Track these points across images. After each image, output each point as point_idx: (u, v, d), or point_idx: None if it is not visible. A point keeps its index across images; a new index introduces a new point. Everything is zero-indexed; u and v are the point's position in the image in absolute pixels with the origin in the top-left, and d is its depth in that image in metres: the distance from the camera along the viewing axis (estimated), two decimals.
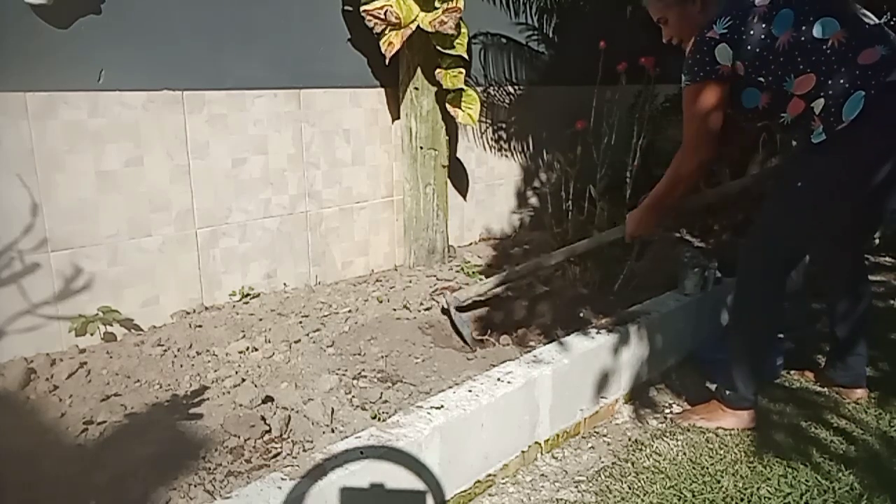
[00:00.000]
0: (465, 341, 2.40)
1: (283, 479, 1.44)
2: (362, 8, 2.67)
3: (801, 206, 1.94)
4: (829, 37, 1.81)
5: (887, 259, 3.98)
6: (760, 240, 2.06)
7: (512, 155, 3.89)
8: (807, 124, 1.89)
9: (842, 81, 1.79)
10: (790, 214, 1.97)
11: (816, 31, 1.81)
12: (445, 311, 2.50)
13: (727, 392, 2.12)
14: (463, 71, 2.93)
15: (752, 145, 3.79)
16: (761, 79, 1.89)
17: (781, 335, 2.44)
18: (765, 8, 1.87)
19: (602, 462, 2.00)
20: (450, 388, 1.88)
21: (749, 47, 1.87)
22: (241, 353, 2.13)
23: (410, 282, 2.91)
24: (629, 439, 2.13)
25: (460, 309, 2.49)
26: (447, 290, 2.57)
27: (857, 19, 1.85)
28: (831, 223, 2.03)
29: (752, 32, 1.86)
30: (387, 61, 2.74)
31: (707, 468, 1.91)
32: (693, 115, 1.97)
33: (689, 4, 2.02)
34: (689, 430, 2.13)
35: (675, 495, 1.79)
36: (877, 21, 1.87)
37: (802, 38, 1.82)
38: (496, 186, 3.83)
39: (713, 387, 2.27)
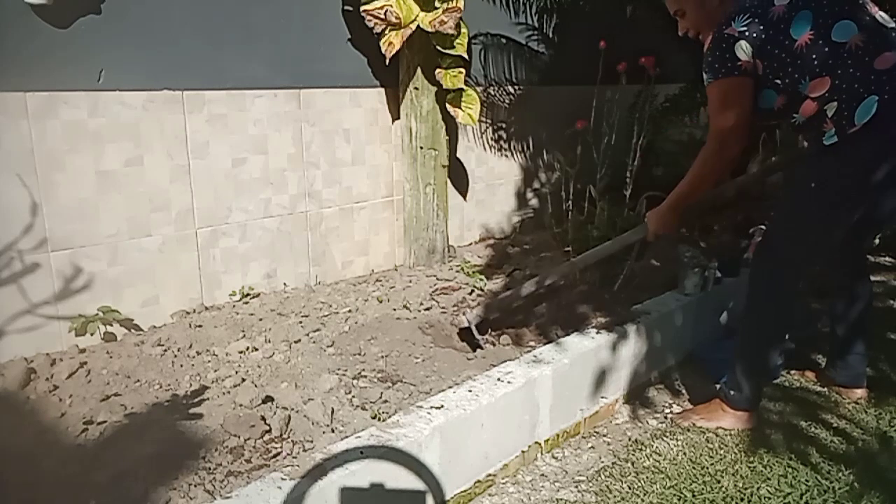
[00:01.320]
0: (477, 346, 2.36)
1: (283, 478, 1.44)
2: (362, 8, 2.67)
3: (812, 207, 1.94)
4: (847, 40, 1.80)
5: (887, 259, 3.98)
6: (773, 241, 2.06)
7: (512, 155, 3.89)
8: (818, 126, 1.88)
9: (856, 86, 1.79)
10: (802, 216, 1.96)
11: (835, 35, 1.80)
12: (463, 330, 2.42)
13: (731, 392, 2.12)
14: (463, 71, 2.93)
15: (751, 145, 3.79)
16: (778, 81, 1.88)
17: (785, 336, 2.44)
18: (783, 8, 1.85)
19: (602, 462, 2.00)
20: (450, 388, 1.88)
21: (769, 47, 1.85)
22: (241, 353, 2.13)
23: (410, 282, 2.91)
24: (629, 439, 2.13)
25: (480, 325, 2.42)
26: (467, 309, 2.50)
27: (875, 23, 1.84)
28: (841, 224, 2.02)
29: (771, 32, 1.84)
30: (387, 61, 2.74)
31: (707, 468, 1.91)
32: (719, 111, 1.96)
33: None
34: (689, 430, 2.13)
35: (675, 495, 1.79)
36: (892, 24, 1.87)
37: (821, 41, 1.81)
38: (496, 186, 3.83)
39: (717, 386, 2.26)
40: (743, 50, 1.86)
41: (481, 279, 2.91)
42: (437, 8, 2.73)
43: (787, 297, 2.05)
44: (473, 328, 2.38)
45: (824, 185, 1.90)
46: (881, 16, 1.88)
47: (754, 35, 1.85)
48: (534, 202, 4.05)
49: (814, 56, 1.82)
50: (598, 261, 2.52)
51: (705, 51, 1.97)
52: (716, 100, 1.96)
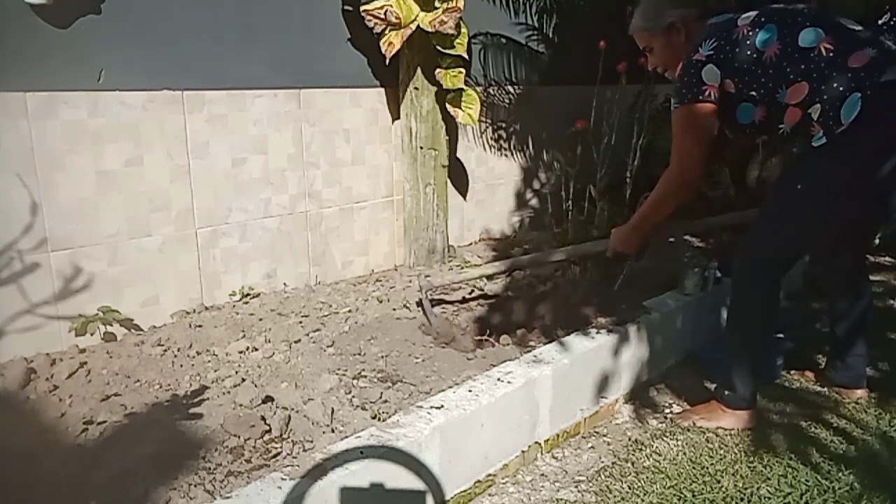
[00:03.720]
0: (429, 324, 2.38)
1: (283, 478, 1.44)
2: (362, 8, 2.68)
3: (798, 207, 1.94)
4: (815, 45, 1.83)
5: (887, 259, 3.98)
6: (757, 240, 2.07)
7: (512, 155, 3.89)
8: (806, 131, 1.89)
9: (835, 85, 1.80)
10: (787, 216, 1.97)
11: (802, 41, 1.84)
12: (419, 303, 2.52)
13: (726, 392, 2.13)
14: (463, 71, 2.93)
15: (752, 146, 3.80)
16: (753, 93, 1.92)
17: (781, 335, 2.45)
18: (748, 26, 1.91)
19: (602, 462, 2.00)
20: (450, 387, 1.88)
21: (736, 64, 1.90)
22: (241, 353, 2.13)
23: (410, 282, 2.91)
24: (629, 439, 2.13)
25: (433, 300, 2.54)
26: (423, 276, 2.60)
27: (842, 26, 1.87)
28: (833, 224, 2.03)
29: (737, 50, 1.90)
30: (387, 61, 2.74)
31: (707, 468, 1.91)
32: (681, 136, 2.02)
33: (673, 34, 2.07)
34: (689, 430, 2.13)
35: (675, 495, 1.79)
36: (859, 27, 1.89)
37: (789, 49, 1.85)
38: (496, 186, 3.83)
39: (712, 387, 2.27)
40: (711, 73, 1.92)
41: (481, 279, 2.90)
42: (437, 8, 2.73)
43: (769, 296, 2.06)
44: (425, 300, 2.46)
45: (811, 185, 1.91)
46: (848, 21, 1.91)
47: (721, 56, 1.91)
48: (534, 202, 4.05)
49: (785, 64, 1.86)
50: (548, 263, 2.61)
51: (676, 78, 2.03)
52: (678, 124, 2.02)
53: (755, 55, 1.88)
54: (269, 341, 2.22)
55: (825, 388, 2.39)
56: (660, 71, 2.17)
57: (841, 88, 1.79)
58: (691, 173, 2.04)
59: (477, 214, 3.74)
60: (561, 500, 1.82)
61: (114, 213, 2.29)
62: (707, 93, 1.93)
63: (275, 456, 1.61)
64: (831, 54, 1.81)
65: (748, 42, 1.89)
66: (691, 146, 2.01)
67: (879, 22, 4.17)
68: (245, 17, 2.56)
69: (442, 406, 1.75)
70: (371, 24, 2.69)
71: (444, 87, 2.91)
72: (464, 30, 2.85)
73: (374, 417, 1.77)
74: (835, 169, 1.86)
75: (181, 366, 2.05)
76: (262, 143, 2.67)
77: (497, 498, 1.83)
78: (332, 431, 1.71)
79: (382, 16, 2.66)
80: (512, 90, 3.81)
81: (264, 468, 1.55)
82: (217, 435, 1.68)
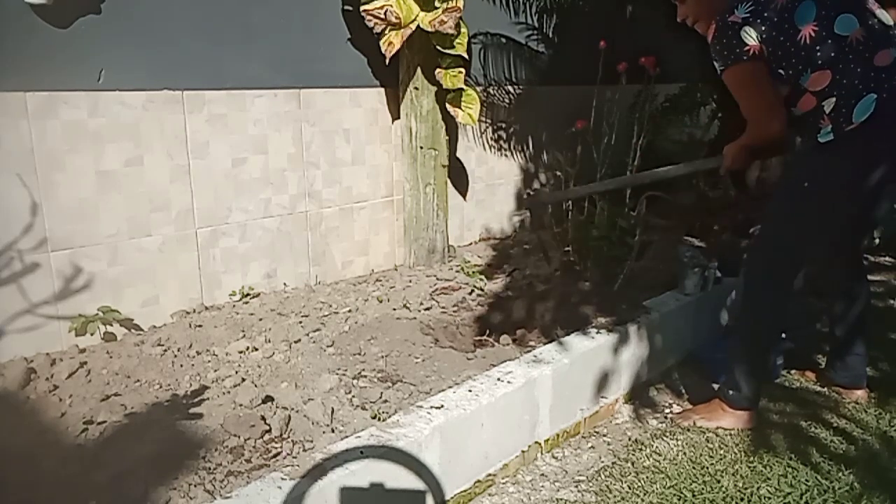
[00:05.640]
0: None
1: (283, 478, 1.44)
2: (362, 8, 2.68)
3: (807, 206, 1.93)
4: (849, 34, 1.80)
5: (887, 259, 3.98)
6: (766, 240, 2.06)
7: (512, 155, 3.89)
8: (815, 122, 1.88)
9: (856, 82, 1.78)
10: (796, 214, 1.96)
11: (838, 27, 1.80)
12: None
13: (730, 392, 2.12)
14: (463, 70, 2.93)
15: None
16: (781, 71, 1.87)
17: (782, 335, 2.44)
18: None
19: (602, 462, 2.00)
20: (450, 387, 1.88)
21: (774, 34, 1.83)
22: (241, 352, 2.13)
23: (410, 282, 2.91)
24: (629, 439, 2.13)
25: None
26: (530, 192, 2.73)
27: (875, 19, 1.84)
28: (835, 223, 2.02)
29: (774, 20, 1.83)
30: (387, 61, 2.74)
31: (707, 468, 1.91)
32: (740, 98, 1.93)
33: None
34: (689, 430, 2.13)
35: (675, 495, 1.79)
36: (892, 23, 1.87)
37: (824, 33, 1.80)
38: (496, 186, 3.83)
39: (716, 386, 2.27)
40: (749, 35, 1.85)
41: (481, 279, 2.90)
42: (437, 8, 2.73)
43: (781, 296, 2.06)
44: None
45: (818, 184, 1.90)
46: (882, 13, 1.88)
47: (758, 21, 1.84)
48: None
49: (817, 48, 1.81)
50: (662, 181, 2.41)
51: (711, 40, 1.93)
52: (732, 86, 1.93)
53: (791, 30, 1.82)
54: (269, 341, 2.22)
55: (825, 388, 2.39)
56: (689, 23, 2.06)
57: (860, 86, 1.78)
58: (769, 127, 1.89)
59: (477, 214, 3.74)
60: (561, 499, 1.82)
61: (114, 213, 2.29)
62: (750, 52, 1.85)
63: (275, 456, 1.61)
64: (860, 47, 1.79)
65: (786, 15, 1.83)
66: (756, 98, 1.90)
67: None
68: (245, 17, 2.56)
69: (442, 406, 1.75)
70: (371, 24, 2.69)
71: (444, 86, 2.91)
72: (464, 30, 2.85)
73: (374, 417, 1.77)
74: (840, 167, 1.86)
75: (181, 366, 2.05)
76: (262, 143, 2.67)
77: (497, 498, 1.83)
78: (332, 431, 1.71)
79: (382, 16, 2.66)
80: (512, 90, 3.81)
81: (264, 468, 1.55)
82: (217, 435, 1.68)
